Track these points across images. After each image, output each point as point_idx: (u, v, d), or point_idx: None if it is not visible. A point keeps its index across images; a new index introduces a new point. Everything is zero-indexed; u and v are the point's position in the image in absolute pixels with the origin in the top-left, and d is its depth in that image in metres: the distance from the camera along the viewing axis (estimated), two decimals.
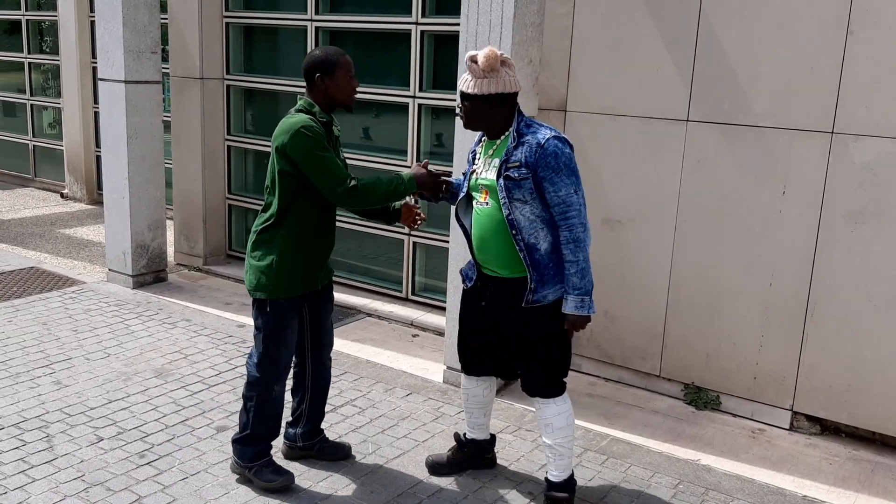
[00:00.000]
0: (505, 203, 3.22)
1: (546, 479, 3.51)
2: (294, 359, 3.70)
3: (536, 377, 3.39)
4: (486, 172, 3.31)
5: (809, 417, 4.35)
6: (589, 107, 4.69)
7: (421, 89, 5.76)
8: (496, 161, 3.28)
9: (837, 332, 4.18)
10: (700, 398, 4.59)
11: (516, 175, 3.19)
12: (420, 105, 5.79)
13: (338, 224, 3.65)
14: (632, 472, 3.84)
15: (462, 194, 3.48)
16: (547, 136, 3.19)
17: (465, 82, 3.24)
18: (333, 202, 3.42)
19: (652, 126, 4.53)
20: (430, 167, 3.50)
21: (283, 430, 3.79)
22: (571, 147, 3.25)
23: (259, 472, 3.56)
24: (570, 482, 3.47)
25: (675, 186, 4.51)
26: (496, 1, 4.23)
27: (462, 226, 3.50)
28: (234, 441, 3.63)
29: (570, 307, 3.23)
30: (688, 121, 4.42)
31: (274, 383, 3.55)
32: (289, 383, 3.73)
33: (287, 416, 3.84)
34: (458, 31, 4.45)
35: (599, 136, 4.66)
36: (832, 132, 4.04)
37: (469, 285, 3.52)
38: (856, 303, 4.11)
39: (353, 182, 3.33)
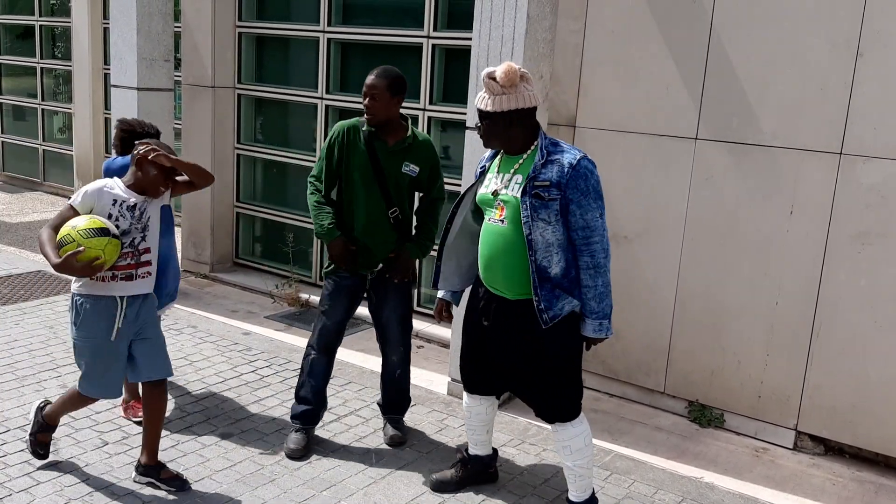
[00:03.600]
0: (527, 222, 3.14)
1: (567, 500, 3.49)
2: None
3: (556, 402, 3.33)
4: (507, 189, 3.23)
5: (813, 437, 4.34)
6: (598, 123, 4.72)
7: (431, 102, 5.79)
8: (519, 178, 3.20)
9: (842, 353, 4.18)
10: (704, 416, 4.59)
11: (546, 195, 3.12)
12: (430, 118, 5.82)
13: None
14: (635, 489, 3.84)
15: (469, 209, 3.44)
16: (577, 157, 3.14)
17: (483, 100, 3.16)
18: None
19: (661, 143, 4.55)
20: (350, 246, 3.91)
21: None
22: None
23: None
24: (592, 500, 3.46)
25: (682, 203, 4.52)
26: (508, 17, 4.27)
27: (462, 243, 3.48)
28: None
29: (588, 330, 3.23)
30: (696, 139, 4.44)
31: (311, 347, 4.04)
32: None
33: None
34: (470, 46, 4.49)
35: (608, 153, 4.68)
36: (840, 153, 4.06)
37: (457, 305, 3.59)
38: (861, 323, 4.11)
39: (315, 186, 3.93)
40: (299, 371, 4.09)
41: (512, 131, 3.20)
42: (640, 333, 4.75)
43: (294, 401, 4.09)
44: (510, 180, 3.23)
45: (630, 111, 4.62)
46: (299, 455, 3.90)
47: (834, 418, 4.25)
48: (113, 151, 4.21)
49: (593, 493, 3.47)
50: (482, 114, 3.20)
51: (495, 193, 3.26)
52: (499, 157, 3.36)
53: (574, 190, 3.12)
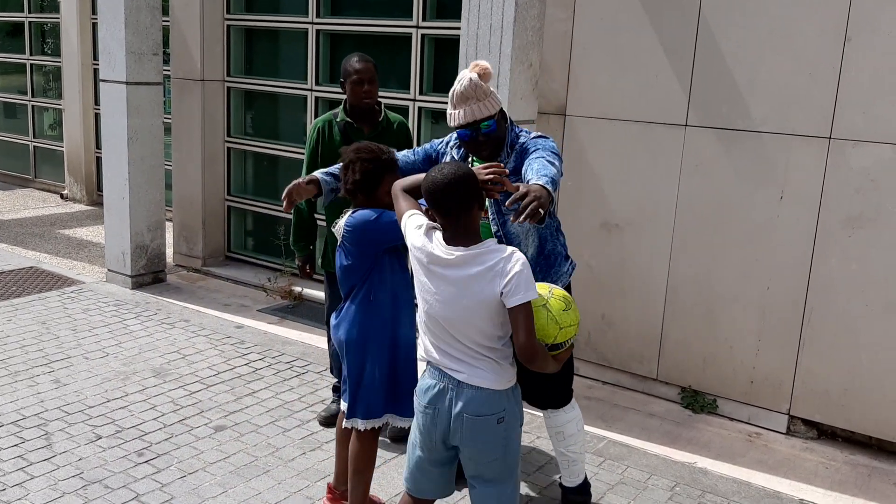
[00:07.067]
0: (493, 219, 3.11)
1: (560, 485, 3.51)
2: None
3: (548, 389, 3.34)
4: None
5: (806, 422, 4.36)
6: (588, 111, 4.72)
7: (421, 92, 5.78)
8: None
9: (834, 337, 4.19)
10: (697, 402, 4.61)
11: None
12: (420, 108, 5.81)
13: None
14: (628, 475, 3.85)
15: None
16: (533, 135, 3.08)
17: (478, 111, 2.93)
18: None
19: (651, 131, 4.55)
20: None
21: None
22: None
23: None
24: (584, 485, 3.49)
25: (673, 191, 4.53)
26: (497, 5, 4.26)
27: None
28: None
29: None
30: (686, 125, 4.44)
31: (329, 334, 3.97)
32: None
33: None
34: (459, 35, 4.48)
35: (598, 141, 4.68)
36: (830, 137, 4.07)
37: None
38: (853, 308, 4.12)
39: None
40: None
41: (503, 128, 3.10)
42: (632, 321, 4.76)
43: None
44: None
45: (620, 99, 4.62)
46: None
47: (826, 402, 4.26)
48: (343, 193, 3.06)
49: (586, 478, 3.49)
50: (488, 119, 2.97)
51: None
52: (468, 159, 3.20)
53: (533, 149, 2.99)
